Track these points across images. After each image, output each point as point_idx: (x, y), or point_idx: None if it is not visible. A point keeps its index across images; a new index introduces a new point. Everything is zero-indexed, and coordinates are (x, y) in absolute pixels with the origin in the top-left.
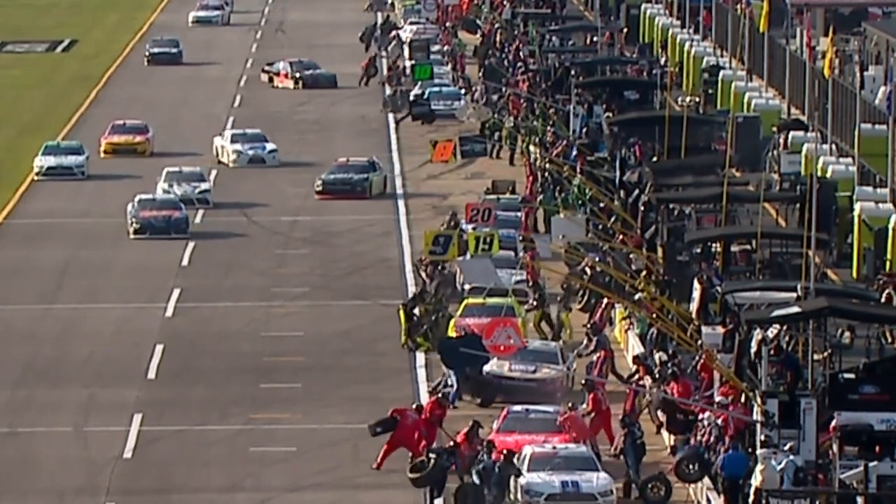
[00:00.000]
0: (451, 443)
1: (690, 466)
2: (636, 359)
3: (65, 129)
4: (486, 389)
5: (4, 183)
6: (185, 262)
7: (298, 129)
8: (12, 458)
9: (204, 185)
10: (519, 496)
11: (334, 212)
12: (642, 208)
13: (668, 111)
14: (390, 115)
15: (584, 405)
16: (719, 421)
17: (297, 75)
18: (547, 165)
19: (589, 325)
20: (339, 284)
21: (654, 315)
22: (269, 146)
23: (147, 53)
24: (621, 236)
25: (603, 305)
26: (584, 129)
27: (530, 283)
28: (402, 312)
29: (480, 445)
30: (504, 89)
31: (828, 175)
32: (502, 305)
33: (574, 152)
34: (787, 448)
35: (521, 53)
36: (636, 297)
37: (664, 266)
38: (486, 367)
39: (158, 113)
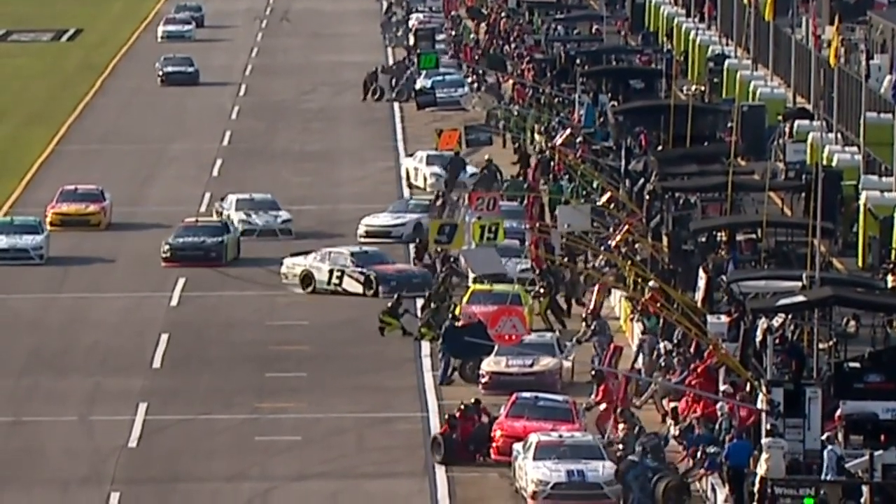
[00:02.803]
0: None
1: None
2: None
3: (70, 118)
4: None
5: (11, 172)
6: None
7: (303, 118)
8: (18, 448)
9: (284, 214)
10: (526, 484)
11: (338, 200)
12: (647, 197)
13: (673, 100)
14: (395, 105)
15: (592, 396)
16: (727, 409)
17: None
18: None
19: (585, 313)
20: None
21: (659, 305)
22: (471, 169)
23: (160, 73)
24: (627, 226)
25: (597, 290)
26: (601, 119)
27: (537, 272)
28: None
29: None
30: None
31: (833, 164)
32: (508, 293)
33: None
34: (824, 437)
35: (525, 42)
36: (649, 284)
37: (669, 255)
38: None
39: (164, 103)
